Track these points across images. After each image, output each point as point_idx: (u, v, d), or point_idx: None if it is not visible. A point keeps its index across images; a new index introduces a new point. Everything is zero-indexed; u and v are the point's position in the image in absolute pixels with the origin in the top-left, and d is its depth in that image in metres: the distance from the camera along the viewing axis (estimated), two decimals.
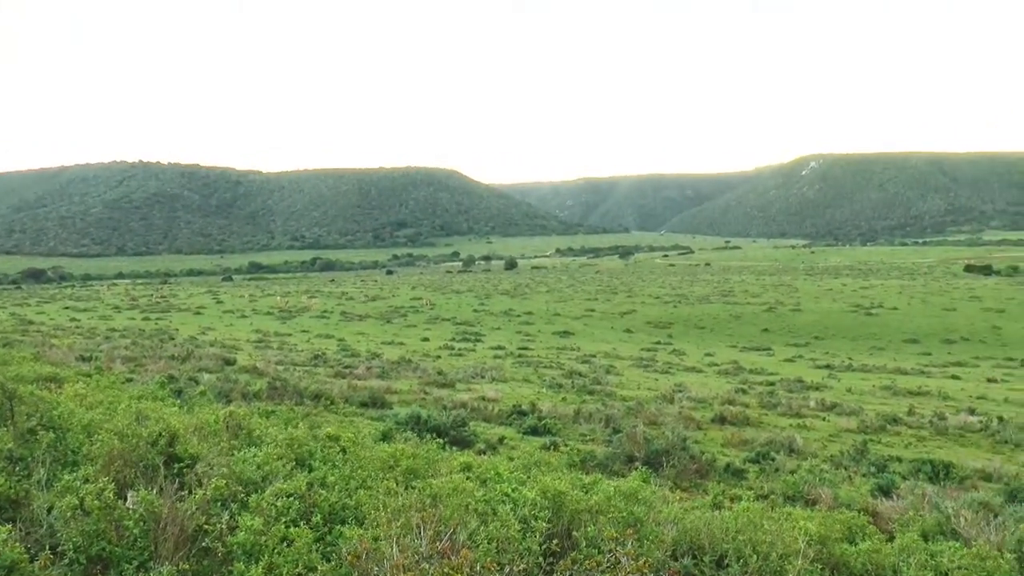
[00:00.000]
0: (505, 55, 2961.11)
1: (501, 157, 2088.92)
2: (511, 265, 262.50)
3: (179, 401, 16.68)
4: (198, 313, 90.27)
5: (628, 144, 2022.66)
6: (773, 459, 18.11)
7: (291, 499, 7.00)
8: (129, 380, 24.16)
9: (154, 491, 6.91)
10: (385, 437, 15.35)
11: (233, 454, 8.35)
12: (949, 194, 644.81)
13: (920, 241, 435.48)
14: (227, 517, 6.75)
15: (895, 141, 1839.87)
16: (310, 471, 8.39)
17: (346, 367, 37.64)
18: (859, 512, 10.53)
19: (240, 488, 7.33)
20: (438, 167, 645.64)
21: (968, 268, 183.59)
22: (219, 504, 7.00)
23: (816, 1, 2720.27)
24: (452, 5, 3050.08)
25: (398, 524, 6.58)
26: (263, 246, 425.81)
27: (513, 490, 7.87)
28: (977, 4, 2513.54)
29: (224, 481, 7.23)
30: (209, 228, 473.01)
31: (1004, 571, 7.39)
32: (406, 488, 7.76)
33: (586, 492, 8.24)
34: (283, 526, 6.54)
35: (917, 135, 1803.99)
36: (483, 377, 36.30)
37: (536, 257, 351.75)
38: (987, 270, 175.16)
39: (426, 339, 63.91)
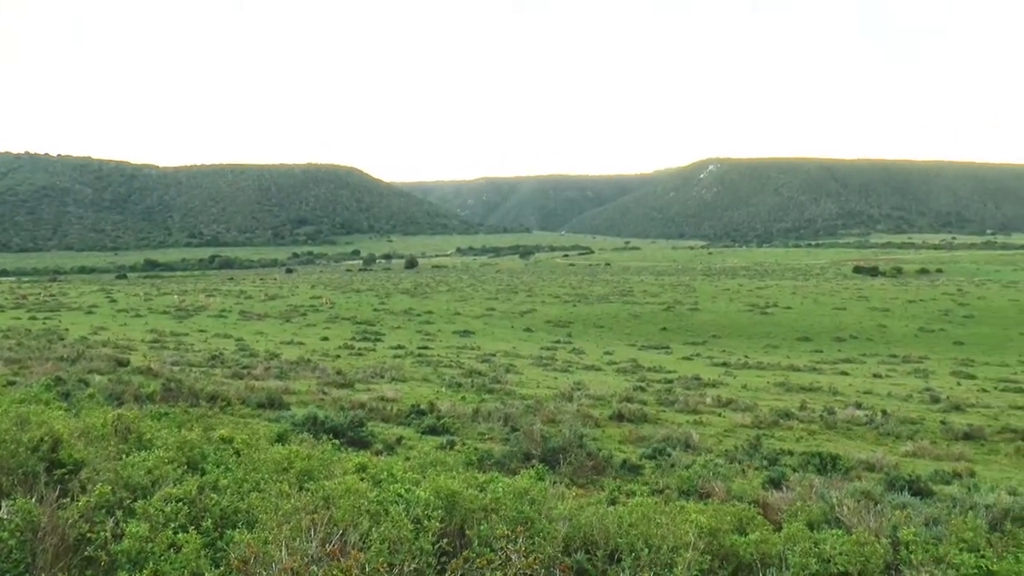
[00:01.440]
0: (407, 52, 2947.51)
1: (403, 155, 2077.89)
2: (412, 264, 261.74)
3: (66, 404, 16.15)
4: (90, 312, 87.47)
5: (530, 145, 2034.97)
6: (669, 455, 18.40)
7: (180, 504, 6.88)
8: (12, 383, 23.29)
9: (33, 499, 6.70)
10: (281, 439, 15.12)
11: (122, 459, 8.17)
12: (840, 199, 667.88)
13: (813, 243, 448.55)
14: (112, 524, 6.59)
15: (790, 147, 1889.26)
16: (202, 474, 8.26)
17: (244, 367, 36.95)
18: (750, 504, 10.82)
19: (127, 494, 7.17)
20: (339, 164, 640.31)
21: (857, 269, 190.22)
22: (104, 511, 6.82)
23: (715, 8, 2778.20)
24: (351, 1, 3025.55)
25: (289, 527, 6.53)
26: (159, 243, 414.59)
27: (407, 490, 7.87)
28: (864, 18, 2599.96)
29: (110, 487, 7.06)
30: (102, 224, 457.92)
31: (879, 555, 7.74)
32: (299, 490, 7.70)
33: (480, 491, 8.28)
34: (171, 532, 6.42)
35: (810, 142, 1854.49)
36: (383, 377, 36.05)
37: (437, 256, 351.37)
38: (874, 271, 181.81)
39: (326, 339, 63.22)
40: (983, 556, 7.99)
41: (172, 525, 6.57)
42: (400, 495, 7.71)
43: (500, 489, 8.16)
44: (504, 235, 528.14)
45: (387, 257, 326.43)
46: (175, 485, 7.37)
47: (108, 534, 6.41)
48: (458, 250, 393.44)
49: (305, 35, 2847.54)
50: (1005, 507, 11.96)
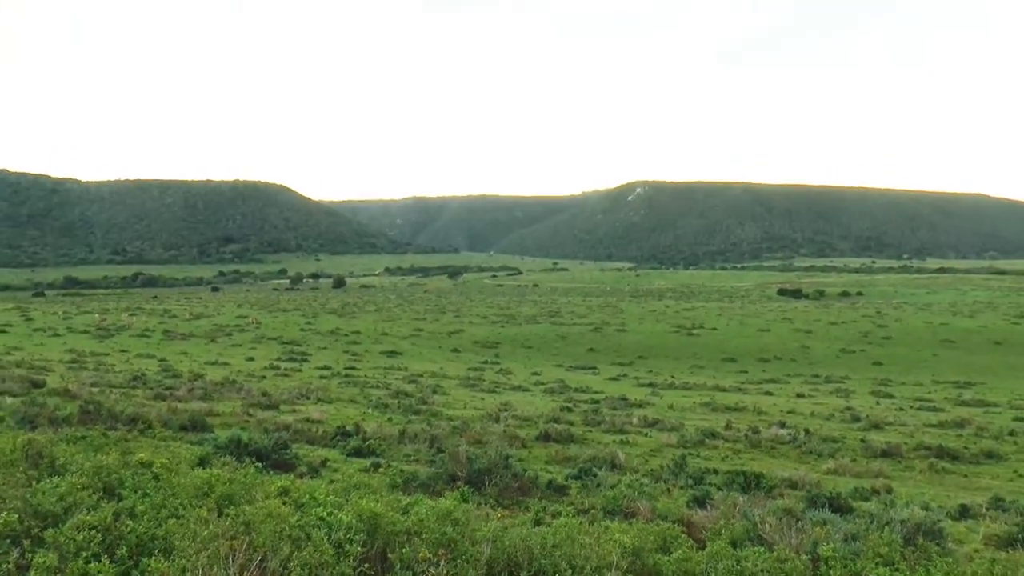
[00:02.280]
0: (336, 70, 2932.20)
1: (331, 173, 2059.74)
2: (339, 283, 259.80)
3: None
4: (3, 331, 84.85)
5: (458, 164, 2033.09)
6: (595, 475, 18.44)
7: (94, 532, 6.69)
8: None
9: None
10: (203, 462, 14.84)
11: (32, 485, 7.93)
12: (764, 223, 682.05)
13: (738, 266, 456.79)
14: (17, 555, 6.37)
15: (716, 171, 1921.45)
16: (119, 500, 8.06)
17: (167, 388, 36.19)
18: (675, 523, 10.93)
19: (37, 522, 6.95)
20: (268, 182, 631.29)
21: (781, 292, 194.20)
22: (9, 541, 6.60)
23: (642, 33, 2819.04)
24: (278, 15, 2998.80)
25: (207, 554, 6.41)
26: (80, 260, 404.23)
27: (329, 514, 7.79)
28: (788, 48, 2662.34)
29: (16, 515, 6.83)
30: (19, 239, 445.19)
31: (800, 571, 7.89)
32: (219, 515, 7.56)
33: (403, 514, 8.23)
34: (82, 562, 6.24)
35: (736, 167, 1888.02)
36: (308, 398, 35.64)
37: (365, 275, 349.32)
38: (797, 294, 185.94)
39: (251, 359, 62.30)
40: (897, 570, 8.22)
41: (84, 554, 6.38)
42: (322, 519, 7.63)
43: (423, 512, 8.12)
44: (432, 255, 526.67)
45: (315, 276, 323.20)
46: (89, 512, 7.17)
47: (12, 565, 6.20)
48: (386, 270, 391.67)
49: (233, 51, 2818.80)
50: (918, 522, 12.34)
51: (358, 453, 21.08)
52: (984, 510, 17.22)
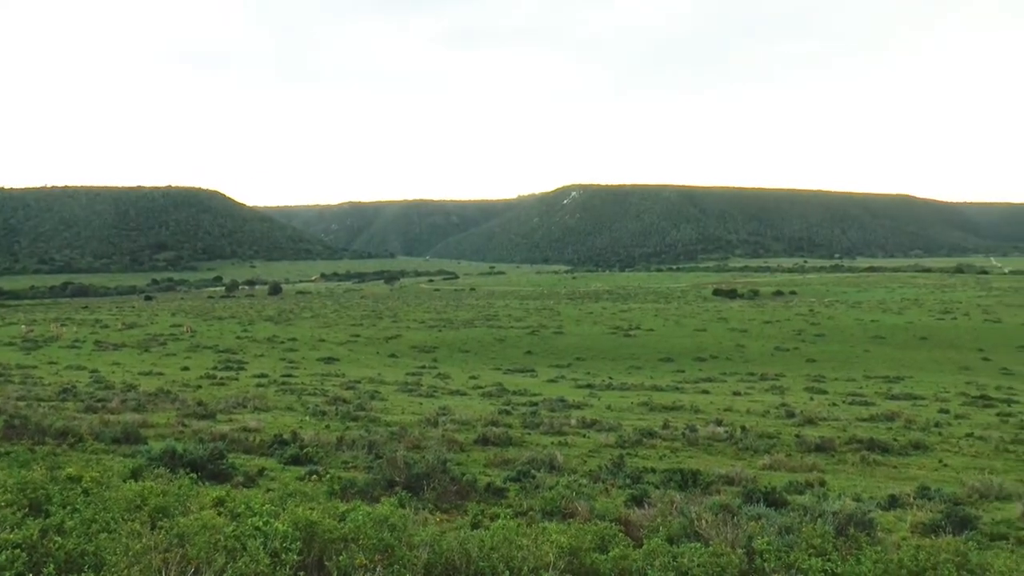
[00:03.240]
0: (268, 74, 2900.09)
1: (266, 179, 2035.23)
2: (275, 290, 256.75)
3: None
4: None
5: (394, 169, 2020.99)
6: (534, 477, 18.50)
7: (18, 551, 6.53)
8: None
9: None
10: (135, 475, 14.57)
11: None
12: (699, 224, 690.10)
13: (674, 267, 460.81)
14: None
15: (650, 174, 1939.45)
16: (46, 517, 7.89)
17: (98, 400, 35.45)
18: (612, 522, 11.04)
19: None
20: (201, 188, 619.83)
21: (716, 292, 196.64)
22: None
23: (575, 37, 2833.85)
24: (214, 19, 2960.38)
25: (139, 568, 6.31)
26: (5, 270, 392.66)
27: (265, 523, 7.71)
28: (706, 53, 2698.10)
29: None
30: None
31: (734, 565, 8.03)
32: (152, 528, 7.45)
33: (340, 521, 8.19)
34: None
35: (670, 170, 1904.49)
36: (245, 407, 35.21)
37: (301, 282, 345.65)
38: (732, 294, 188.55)
39: (186, 368, 61.33)
40: (829, 560, 8.40)
41: (7, 574, 6.23)
42: (258, 528, 7.55)
43: (360, 518, 8.09)
44: (369, 260, 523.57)
45: (250, 283, 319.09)
46: (13, 530, 7.00)
47: None
48: (322, 276, 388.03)
49: (164, 53, 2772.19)
50: (849, 513, 12.66)
51: (296, 461, 20.87)
52: (911, 499, 17.68)
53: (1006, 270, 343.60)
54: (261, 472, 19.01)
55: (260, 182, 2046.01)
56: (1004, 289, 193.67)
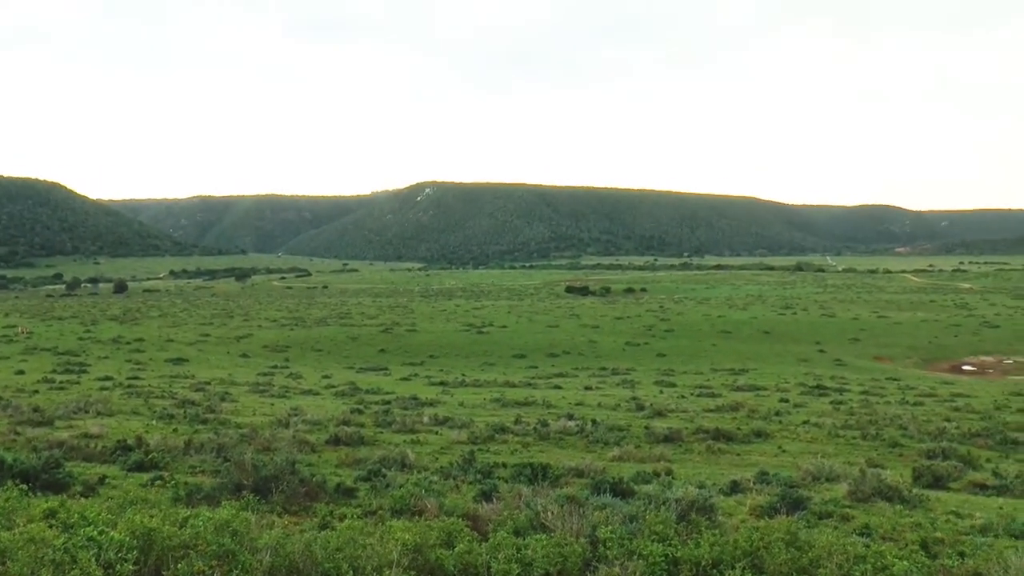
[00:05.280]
0: (112, 58, 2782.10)
1: (110, 171, 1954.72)
2: (121, 288, 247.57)
3: None
4: None
5: (246, 162, 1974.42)
6: (384, 475, 18.37)
7: None
8: None
9: None
10: None
11: None
12: (552, 223, 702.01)
13: (527, 265, 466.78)
14: None
15: (504, 173, 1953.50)
16: None
17: None
18: (460, 518, 11.11)
19: None
20: (38, 179, 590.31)
21: (568, 289, 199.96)
22: None
23: (432, 35, 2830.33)
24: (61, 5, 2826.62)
25: None
26: None
27: (100, 533, 7.43)
28: (555, 55, 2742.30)
29: None
30: None
31: (577, 554, 8.23)
32: None
33: (180, 527, 7.96)
34: None
35: (523, 169, 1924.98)
36: (87, 412, 33.67)
37: (148, 279, 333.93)
38: (584, 291, 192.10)
39: (21, 372, 58.25)
40: (670, 545, 8.70)
41: None
42: (92, 539, 7.27)
43: (200, 524, 7.88)
44: (220, 257, 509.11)
45: (93, 281, 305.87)
46: None
47: None
48: (171, 273, 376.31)
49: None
50: (692, 499, 13.16)
51: (140, 468, 20.13)
52: (751, 484, 18.46)
53: (840, 268, 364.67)
54: (102, 480, 18.24)
55: (105, 174, 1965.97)
56: (838, 286, 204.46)
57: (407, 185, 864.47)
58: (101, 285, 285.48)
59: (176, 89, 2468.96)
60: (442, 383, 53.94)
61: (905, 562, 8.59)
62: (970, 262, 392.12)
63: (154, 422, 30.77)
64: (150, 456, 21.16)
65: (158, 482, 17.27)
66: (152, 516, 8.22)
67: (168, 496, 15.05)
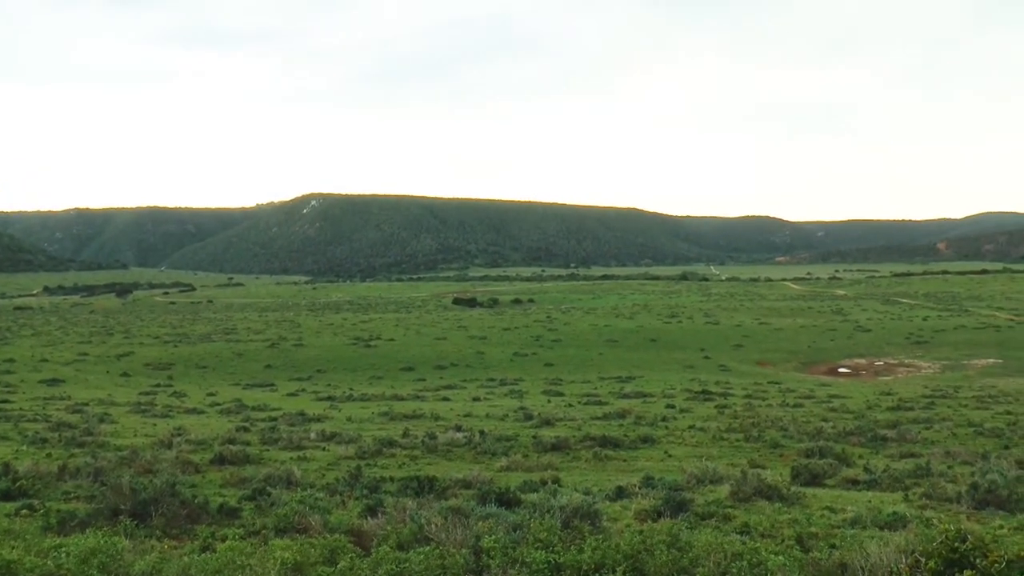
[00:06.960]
0: None
1: None
2: None
3: None
4: None
5: (125, 175, 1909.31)
6: (269, 494, 18.04)
7: None
8: None
9: None
10: None
11: None
12: (439, 235, 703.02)
13: (415, 277, 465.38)
14: None
15: (390, 185, 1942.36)
16: None
17: None
18: (344, 534, 11.00)
19: None
20: None
21: (456, 301, 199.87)
22: None
23: (315, 46, 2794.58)
24: None
25: None
26: None
27: None
28: (455, 65, 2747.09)
29: None
30: None
31: (460, 565, 8.23)
32: None
33: (44, 558, 7.63)
34: None
35: (410, 181, 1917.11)
36: None
37: (20, 296, 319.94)
38: (472, 303, 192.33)
39: None
40: (554, 551, 8.77)
41: None
42: None
43: (63, 554, 7.58)
44: (99, 272, 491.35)
45: None
46: None
47: None
48: (45, 289, 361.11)
49: None
50: (576, 506, 13.32)
51: (7, 496, 19.25)
52: (637, 489, 18.80)
53: (723, 277, 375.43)
54: None
55: None
56: (722, 294, 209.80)
57: (293, 197, 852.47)
58: None
59: (52, 98, 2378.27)
60: (329, 398, 53.35)
61: (780, 557, 8.86)
62: (844, 270, 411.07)
63: (24, 447, 29.53)
64: (19, 483, 20.24)
65: (25, 511, 16.53)
66: (14, 547, 7.85)
67: (37, 525, 14.42)
